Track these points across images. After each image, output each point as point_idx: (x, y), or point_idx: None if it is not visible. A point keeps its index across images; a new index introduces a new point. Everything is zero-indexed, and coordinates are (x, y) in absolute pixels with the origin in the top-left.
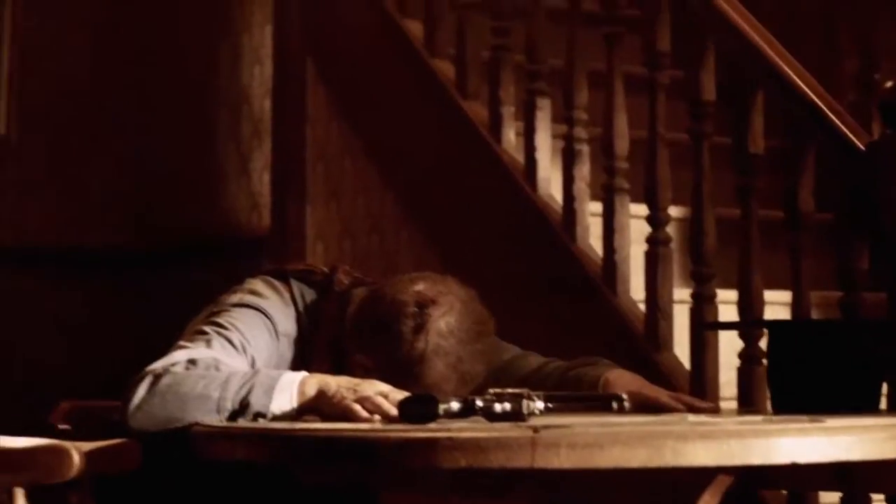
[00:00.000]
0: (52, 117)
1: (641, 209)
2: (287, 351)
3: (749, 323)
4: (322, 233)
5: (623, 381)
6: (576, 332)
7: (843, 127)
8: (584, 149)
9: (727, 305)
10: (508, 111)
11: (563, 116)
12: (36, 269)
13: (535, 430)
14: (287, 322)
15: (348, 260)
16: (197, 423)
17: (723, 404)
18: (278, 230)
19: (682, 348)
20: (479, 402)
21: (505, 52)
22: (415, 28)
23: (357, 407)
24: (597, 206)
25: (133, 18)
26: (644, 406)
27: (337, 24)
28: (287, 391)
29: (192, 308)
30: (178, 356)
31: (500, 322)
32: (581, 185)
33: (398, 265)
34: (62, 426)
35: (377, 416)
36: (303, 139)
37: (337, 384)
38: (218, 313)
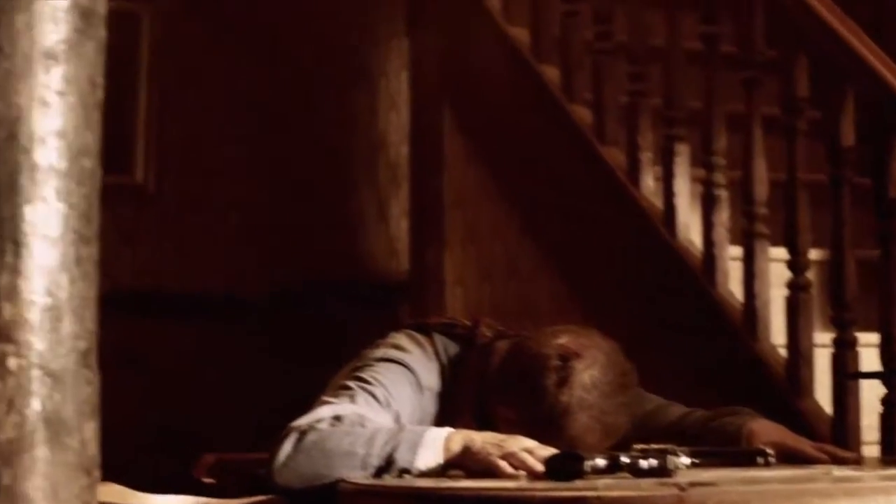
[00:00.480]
0: (188, 165)
1: (781, 252)
2: (430, 405)
3: (893, 373)
4: (460, 278)
5: (766, 431)
6: (716, 378)
7: None
8: (723, 194)
9: (868, 348)
10: (646, 156)
11: (702, 161)
12: (176, 315)
13: (682, 487)
14: (430, 376)
15: (487, 305)
16: (343, 480)
17: (864, 449)
18: (417, 275)
19: (822, 392)
20: (625, 459)
21: (642, 97)
22: (552, 74)
23: (503, 463)
24: (736, 250)
25: (269, 65)
26: (787, 457)
27: (473, 70)
28: (432, 447)
29: (332, 354)
30: (323, 412)
31: (640, 368)
32: (720, 231)
33: (537, 309)
34: (207, 480)
35: (523, 473)
36: (440, 185)
37: (482, 440)
38: (362, 368)
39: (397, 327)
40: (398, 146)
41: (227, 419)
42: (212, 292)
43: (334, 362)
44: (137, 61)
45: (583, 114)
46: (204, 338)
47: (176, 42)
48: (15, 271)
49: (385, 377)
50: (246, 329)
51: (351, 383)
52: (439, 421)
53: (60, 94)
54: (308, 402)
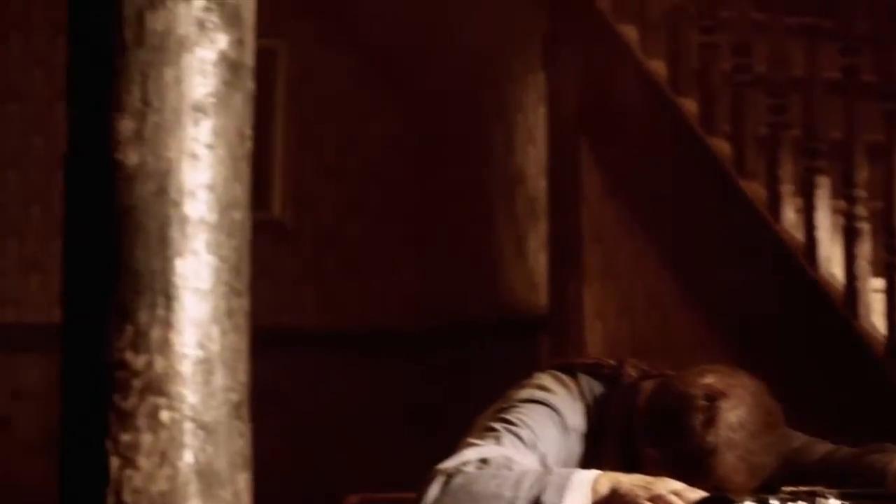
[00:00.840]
0: (324, 200)
1: None
2: (576, 446)
3: None
4: (600, 312)
5: None
6: (859, 411)
7: None
8: (865, 226)
9: None
10: (787, 189)
11: (843, 193)
12: (316, 350)
13: None
14: (576, 417)
15: (627, 339)
16: None
17: None
18: (556, 310)
19: None
20: (774, 501)
21: (782, 128)
22: (690, 106)
23: None
24: (878, 282)
25: (405, 99)
26: None
27: (611, 103)
28: (579, 490)
29: (473, 388)
30: (470, 455)
31: (782, 402)
32: (862, 263)
33: (678, 344)
34: None
35: None
36: (579, 219)
37: (630, 482)
38: (507, 409)
39: (538, 360)
40: (536, 180)
41: (370, 457)
42: (351, 328)
43: (475, 396)
44: (273, 97)
45: (722, 147)
46: (344, 374)
47: (312, 77)
48: (167, 324)
49: (531, 418)
50: (385, 364)
51: (497, 425)
52: (585, 462)
53: (209, 146)
54: (452, 440)
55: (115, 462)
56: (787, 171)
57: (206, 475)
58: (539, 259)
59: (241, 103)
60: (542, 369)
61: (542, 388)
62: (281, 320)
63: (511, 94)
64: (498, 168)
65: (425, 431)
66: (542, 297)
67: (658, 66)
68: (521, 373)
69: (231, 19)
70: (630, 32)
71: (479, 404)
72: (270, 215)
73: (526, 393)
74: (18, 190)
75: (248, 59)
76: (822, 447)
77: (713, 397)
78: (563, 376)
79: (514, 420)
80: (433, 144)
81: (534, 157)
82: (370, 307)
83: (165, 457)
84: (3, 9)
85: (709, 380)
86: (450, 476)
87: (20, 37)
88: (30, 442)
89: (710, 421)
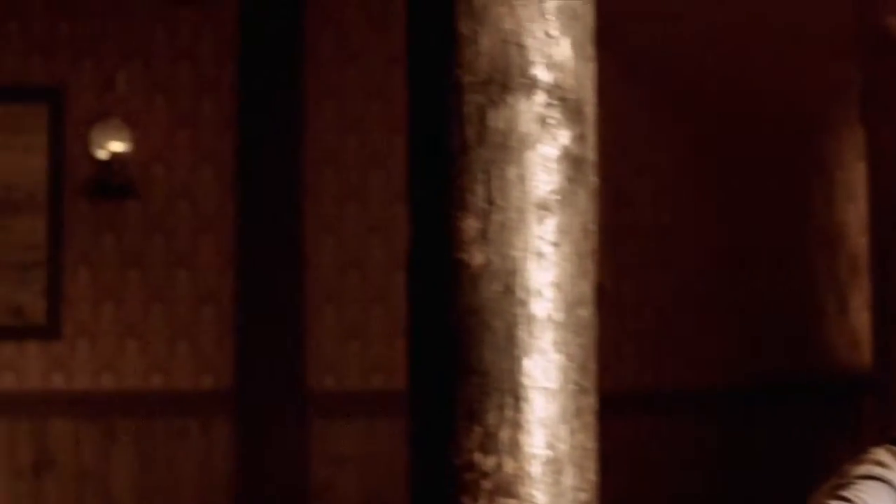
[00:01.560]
0: (644, 264)
1: None
2: None
3: None
4: None
5: None
6: None
7: None
8: None
9: None
10: None
11: None
12: (636, 411)
13: None
14: None
15: None
16: None
17: None
18: (881, 370)
19: None
20: None
21: None
22: None
23: None
24: None
25: (715, 155)
26: None
27: None
28: None
29: (795, 448)
30: None
31: None
32: None
33: None
34: None
35: None
36: None
37: None
38: (843, 486)
39: (860, 421)
40: (857, 237)
41: None
42: (668, 386)
43: (797, 456)
44: None
45: None
46: (661, 434)
47: (624, 134)
48: (516, 425)
49: (869, 496)
50: (707, 422)
51: (834, 503)
52: None
53: (555, 244)
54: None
55: None
56: None
57: None
58: (861, 317)
59: (585, 199)
60: (866, 431)
61: (880, 464)
62: (599, 384)
63: (828, 149)
64: (817, 224)
65: (744, 492)
66: (864, 356)
67: None
68: (844, 433)
69: (573, 114)
70: None
71: (801, 464)
72: None
73: (863, 469)
74: (336, 256)
75: (591, 153)
76: None
77: None
78: None
79: (851, 497)
80: (747, 198)
81: (854, 214)
82: (686, 367)
83: None
84: (314, 76)
85: None
86: None
87: (333, 102)
88: None
89: None
